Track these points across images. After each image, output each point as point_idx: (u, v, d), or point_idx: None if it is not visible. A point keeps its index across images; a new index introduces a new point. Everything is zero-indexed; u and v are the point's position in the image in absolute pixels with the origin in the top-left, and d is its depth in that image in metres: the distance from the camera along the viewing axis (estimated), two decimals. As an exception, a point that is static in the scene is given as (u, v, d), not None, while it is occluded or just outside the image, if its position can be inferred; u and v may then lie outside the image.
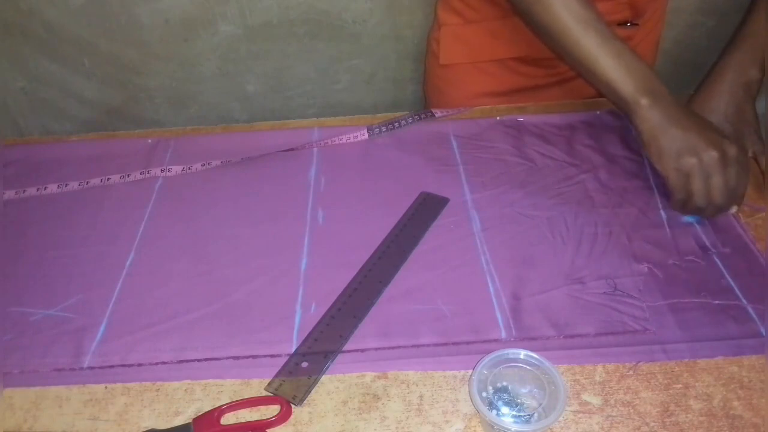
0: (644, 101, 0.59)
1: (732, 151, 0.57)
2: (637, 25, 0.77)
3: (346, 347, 0.52)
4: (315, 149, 0.74)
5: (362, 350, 0.51)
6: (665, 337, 0.51)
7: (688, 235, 0.60)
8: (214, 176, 0.71)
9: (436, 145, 0.74)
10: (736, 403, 0.47)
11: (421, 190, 0.67)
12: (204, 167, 0.72)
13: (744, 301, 0.54)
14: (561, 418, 0.44)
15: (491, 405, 0.44)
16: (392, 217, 0.63)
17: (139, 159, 0.74)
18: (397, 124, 0.76)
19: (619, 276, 0.56)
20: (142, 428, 0.47)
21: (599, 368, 0.49)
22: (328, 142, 0.74)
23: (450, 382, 0.49)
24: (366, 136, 0.75)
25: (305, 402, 0.48)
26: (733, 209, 0.61)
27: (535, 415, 0.44)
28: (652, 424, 0.45)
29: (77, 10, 1.01)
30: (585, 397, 0.47)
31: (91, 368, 0.51)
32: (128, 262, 0.61)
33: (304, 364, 0.50)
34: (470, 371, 0.47)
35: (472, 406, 0.45)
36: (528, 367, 0.46)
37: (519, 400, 0.45)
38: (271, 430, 0.47)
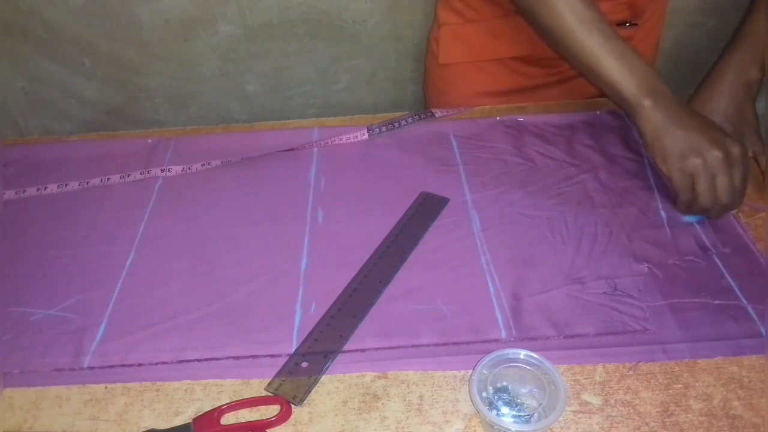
0: (647, 102, 0.59)
1: (736, 150, 0.57)
2: (636, 25, 0.77)
3: (346, 347, 0.52)
4: (315, 149, 0.74)
5: (362, 350, 0.51)
6: (665, 337, 0.51)
7: (688, 235, 0.60)
8: (214, 176, 0.71)
9: (436, 145, 0.74)
10: (736, 403, 0.47)
11: (421, 190, 0.67)
12: (204, 167, 0.72)
13: (744, 301, 0.54)
14: (561, 418, 0.44)
15: (491, 405, 0.44)
16: (392, 217, 0.63)
17: (139, 159, 0.74)
18: (397, 124, 0.76)
19: (619, 276, 0.56)
20: (142, 428, 0.47)
21: (599, 368, 0.49)
22: (328, 142, 0.74)
23: (450, 382, 0.49)
24: (366, 136, 0.75)
25: (305, 402, 0.48)
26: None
27: (535, 415, 0.44)
28: (652, 424, 0.45)
29: (77, 10, 1.01)
30: (585, 397, 0.47)
31: (91, 368, 0.51)
32: (128, 262, 0.61)
33: (304, 364, 0.50)
34: (470, 371, 0.47)
35: (472, 406, 0.45)
36: (528, 367, 0.46)
37: (519, 400, 0.45)
38: (271, 430, 0.47)
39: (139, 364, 0.51)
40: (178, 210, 0.67)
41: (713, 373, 0.49)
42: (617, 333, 0.52)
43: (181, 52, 1.07)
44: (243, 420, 0.47)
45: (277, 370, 0.50)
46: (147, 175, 0.71)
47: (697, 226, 0.61)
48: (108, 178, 0.71)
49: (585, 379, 0.49)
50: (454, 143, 0.74)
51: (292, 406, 0.47)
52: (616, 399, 0.47)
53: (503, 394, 0.45)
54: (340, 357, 0.51)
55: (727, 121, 0.67)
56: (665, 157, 0.59)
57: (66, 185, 0.71)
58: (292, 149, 0.74)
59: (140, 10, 1.01)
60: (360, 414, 0.47)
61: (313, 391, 0.49)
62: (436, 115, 0.78)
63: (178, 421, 0.47)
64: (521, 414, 0.44)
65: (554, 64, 0.81)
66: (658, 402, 0.47)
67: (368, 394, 0.48)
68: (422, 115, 0.78)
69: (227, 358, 0.51)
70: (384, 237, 0.61)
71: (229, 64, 1.10)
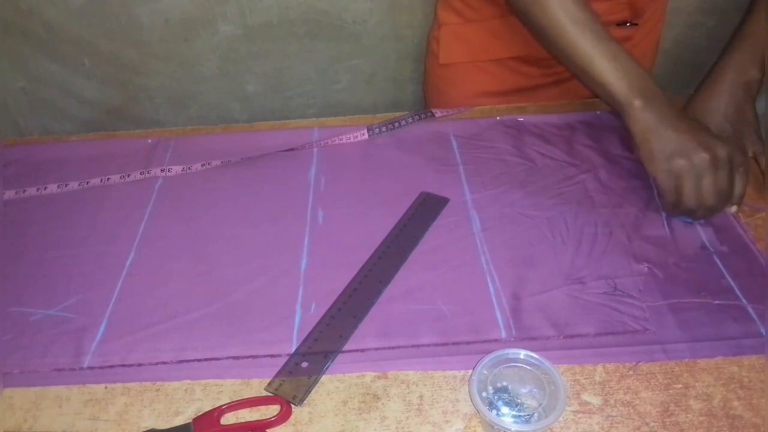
0: (637, 102, 0.60)
1: (722, 152, 0.57)
2: (636, 25, 0.77)
3: (346, 347, 0.52)
4: (315, 149, 0.74)
5: (362, 350, 0.51)
6: (665, 337, 0.51)
7: (688, 235, 0.60)
8: (214, 176, 0.71)
9: (436, 145, 0.74)
10: (736, 403, 0.47)
11: (421, 190, 0.67)
12: (204, 167, 0.72)
13: (744, 301, 0.54)
14: (561, 418, 0.44)
15: (491, 405, 0.44)
16: (392, 217, 0.63)
17: (139, 159, 0.74)
18: (397, 124, 0.76)
19: (619, 276, 0.56)
20: (142, 428, 0.47)
21: (599, 368, 0.49)
22: (328, 142, 0.74)
23: (450, 382, 0.49)
24: (366, 136, 0.75)
25: (305, 402, 0.48)
26: (734, 209, 0.61)
27: (535, 415, 0.44)
28: (652, 424, 0.45)
29: (77, 10, 1.01)
30: (585, 397, 0.47)
31: (91, 368, 0.51)
32: (128, 262, 0.61)
33: (304, 364, 0.50)
34: (470, 371, 0.47)
35: (472, 406, 0.45)
36: (528, 367, 0.46)
37: (519, 400, 0.45)
38: (271, 430, 0.47)
39: (139, 364, 0.51)
40: (178, 210, 0.67)
41: (713, 373, 0.49)
42: (617, 333, 0.52)
43: (181, 52, 1.07)
44: (243, 420, 0.47)
45: (277, 370, 0.50)
46: (147, 175, 0.71)
47: (698, 226, 0.61)
48: (108, 178, 0.71)
49: (585, 379, 0.49)
50: (454, 143, 0.74)
51: (292, 406, 0.47)
52: (616, 399, 0.47)
53: (503, 394, 0.45)
54: (340, 357, 0.51)
55: (727, 121, 0.67)
56: (652, 157, 0.59)
57: (66, 185, 0.71)
58: (292, 149, 0.74)
59: (140, 10, 1.01)
60: (360, 414, 0.47)
61: (313, 391, 0.49)
62: (436, 115, 0.78)
63: (178, 421, 0.47)
64: (521, 414, 0.44)
65: (554, 64, 0.81)
66: (658, 402, 0.47)
67: (368, 394, 0.48)
68: (422, 115, 0.78)
69: (227, 358, 0.51)
70: (384, 237, 0.61)
71: (229, 64, 1.10)
